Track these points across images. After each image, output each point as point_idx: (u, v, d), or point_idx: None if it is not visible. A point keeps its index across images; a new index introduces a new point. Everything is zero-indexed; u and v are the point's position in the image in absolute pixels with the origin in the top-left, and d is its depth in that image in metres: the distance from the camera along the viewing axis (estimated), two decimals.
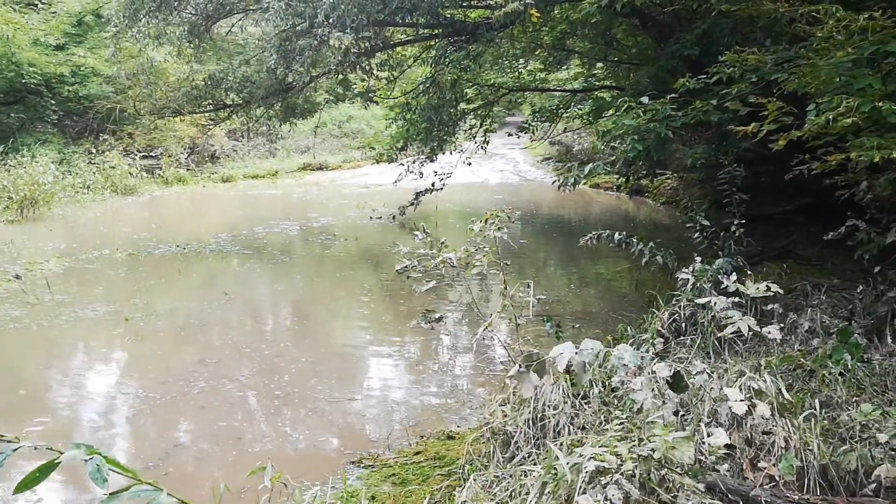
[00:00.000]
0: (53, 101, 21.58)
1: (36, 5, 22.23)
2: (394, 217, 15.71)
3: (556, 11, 12.43)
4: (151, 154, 23.36)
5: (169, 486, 2.48)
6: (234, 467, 5.29)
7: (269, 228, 15.38)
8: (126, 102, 19.61)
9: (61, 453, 2.12)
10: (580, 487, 3.07)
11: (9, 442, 2.13)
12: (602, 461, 3.11)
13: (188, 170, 24.00)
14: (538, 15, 10.37)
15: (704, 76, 6.69)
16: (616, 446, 3.24)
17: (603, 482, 3.04)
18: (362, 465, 5.28)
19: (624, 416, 3.90)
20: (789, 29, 6.38)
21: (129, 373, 7.35)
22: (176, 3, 12.83)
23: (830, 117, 4.95)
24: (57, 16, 22.41)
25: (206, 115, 17.16)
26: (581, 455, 3.18)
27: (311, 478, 4.88)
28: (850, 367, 4.93)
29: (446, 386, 6.93)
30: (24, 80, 20.39)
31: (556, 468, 3.21)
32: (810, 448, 3.93)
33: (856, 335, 5.38)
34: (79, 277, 10.89)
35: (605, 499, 2.95)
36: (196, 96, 14.95)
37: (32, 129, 21.20)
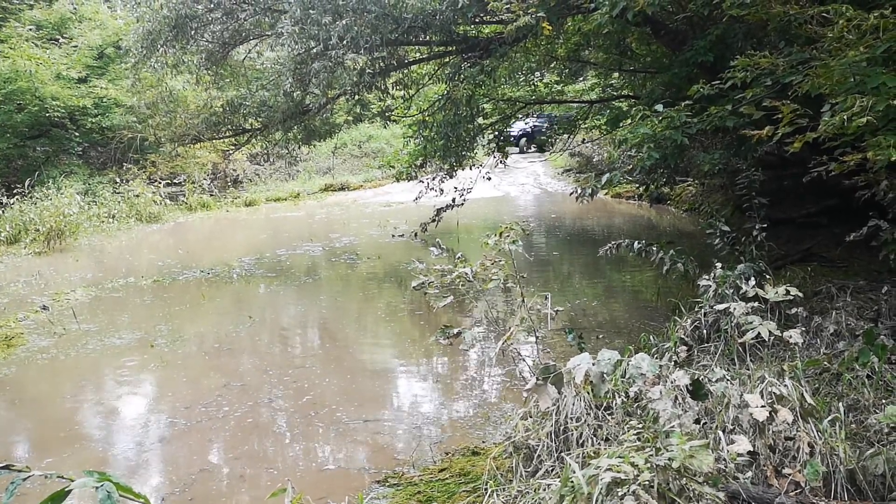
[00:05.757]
0: (77, 133, 22.00)
1: (58, 40, 22.61)
2: (416, 234, 15.76)
3: (568, 23, 12.45)
4: (175, 181, 23.70)
5: None
6: (259, 490, 5.30)
7: (292, 250, 15.47)
8: (147, 131, 19.87)
9: (72, 481, 2.14)
10: (597, 499, 3.04)
11: (19, 471, 2.14)
12: (619, 472, 3.07)
13: (211, 195, 24.27)
14: (550, 28, 10.37)
15: (718, 82, 6.65)
16: (633, 457, 3.20)
17: (620, 493, 3.01)
18: (388, 483, 5.27)
19: (640, 426, 3.85)
20: (802, 31, 6.33)
21: (154, 399, 7.40)
22: (192, 32, 12.99)
23: (845, 117, 4.90)
24: (78, 49, 22.81)
25: (227, 140, 17.31)
26: (597, 467, 3.14)
27: (336, 498, 4.88)
28: (876, 369, 4.85)
29: (471, 401, 6.90)
30: (48, 114, 20.77)
31: (572, 481, 3.18)
32: (836, 453, 3.87)
33: (882, 336, 5.30)
34: (105, 306, 11.00)
35: None
36: (215, 122, 15.10)
37: (58, 162, 21.57)
